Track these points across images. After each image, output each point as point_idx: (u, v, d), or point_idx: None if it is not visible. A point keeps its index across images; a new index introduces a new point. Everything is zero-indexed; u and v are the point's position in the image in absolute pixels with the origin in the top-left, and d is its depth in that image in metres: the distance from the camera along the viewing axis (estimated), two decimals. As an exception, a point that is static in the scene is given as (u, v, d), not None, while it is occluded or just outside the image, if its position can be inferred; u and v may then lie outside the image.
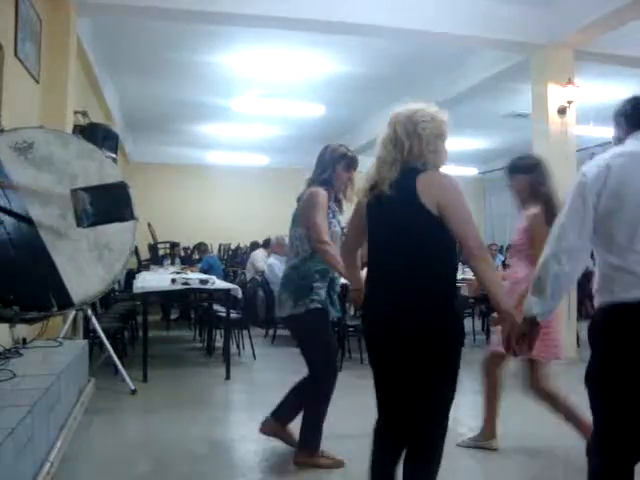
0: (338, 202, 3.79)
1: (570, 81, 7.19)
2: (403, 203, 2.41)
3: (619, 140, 2.41)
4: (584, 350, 7.08)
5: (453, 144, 9.99)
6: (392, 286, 2.44)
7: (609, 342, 2.23)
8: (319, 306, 3.57)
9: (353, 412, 4.38)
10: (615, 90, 9.49)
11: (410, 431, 2.48)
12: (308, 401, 3.68)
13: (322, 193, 3.60)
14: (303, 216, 3.64)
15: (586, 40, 6.99)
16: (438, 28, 6.83)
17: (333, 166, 3.68)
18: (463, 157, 15.03)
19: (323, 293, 3.59)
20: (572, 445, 3.46)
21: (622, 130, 2.41)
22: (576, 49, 7.15)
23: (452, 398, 2.46)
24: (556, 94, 7.22)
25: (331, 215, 3.68)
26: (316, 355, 3.62)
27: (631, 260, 2.17)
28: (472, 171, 16.72)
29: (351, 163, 3.72)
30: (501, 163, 14.78)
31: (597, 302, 2.31)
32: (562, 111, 7.22)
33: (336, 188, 3.71)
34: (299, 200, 3.76)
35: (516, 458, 3.92)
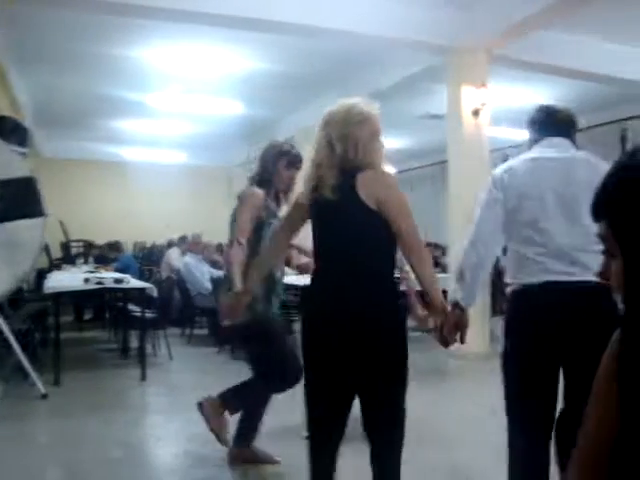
0: (277, 201, 3.59)
1: (484, 84, 7.39)
2: (346, 204, 2.42)
3: (531, 145, 2.69)
4: (496, 344, 7.27)
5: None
6: (341, 286, 2.44)
7: (518, 316, 2.55)
8: (262, 312, 3.38)
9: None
10: (527, 94, 9.83)
11: (377, 425, 2.51)
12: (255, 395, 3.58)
13: (256, 193, 3.44)
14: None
15: (500, 45, 7.20)
16: (356, 28, 6.88)
17: (274, 164, 3.51)
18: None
19: (262, 296, 3.38)
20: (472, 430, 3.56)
21: (533, 136, 2.70)
22: (490, 53, 7.35)
23: (406, 383, 2.52)
24: (470, 96, 7.40)
25: (271, 216, 3.48)
26: (268, 358, 3.46)
27: (533, 251, 2.48)
28: (389, 170, 17.03)
29: (293, 161, 3.54)
30: (416, 163, 15.15)
31: (509, 285, 2.62)
32: (476, 113, 7.41)
33: (277, 187, 3.54)
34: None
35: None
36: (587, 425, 0.99)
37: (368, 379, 2.46)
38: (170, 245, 11.27)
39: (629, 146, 10.60)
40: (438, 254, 10.09)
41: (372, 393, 2.47)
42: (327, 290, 2.50)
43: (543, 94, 9.87)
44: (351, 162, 2.44)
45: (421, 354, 2.40)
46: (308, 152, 2.62)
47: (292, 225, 2.75)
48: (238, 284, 3.14)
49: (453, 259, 7.34)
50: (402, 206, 2.45)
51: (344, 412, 2.54)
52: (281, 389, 3.48)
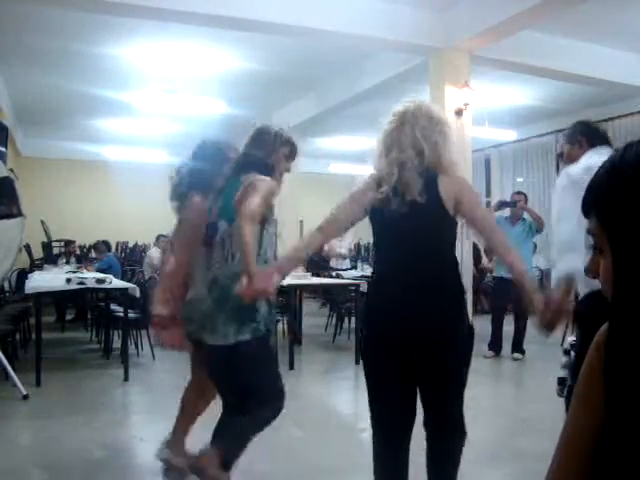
0: None
1: (466, 84, 7.42)
2: (428, 207, 2.36)
3: (576, 156, 3.10)
4: (479, 344, 7.31)
5: (353, 143, 10.20)
6: (418, 293, 2.36)
7: (587, 323, 2.69)
8: (264, 331, 2.87)
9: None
10: (509, 94, 9.90)
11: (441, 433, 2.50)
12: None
13: (272, 183, 2.93)
14: (240, 199, 2.81)
15: (482, 45, 7.23)
16: (339, 28, 6.89)
17: (277, 151, 3.07)
18: (363, 156, 15.22)
19: (264, 310, 2.87)
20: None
21: (582, 147, 3.12)
22: (472, 54, 7.39)
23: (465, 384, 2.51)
24: (453, 96, 7.43)
25: (271, 213, 2.98)
26: (264, 383, 2.92)
27: None
28: (372, 170, 16.94)
29: (294, 152, 3.17)
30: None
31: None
32: (459, 113, 7.44)
33: (275, 178, 3.07)
34: (228, 185, 2.96)
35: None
36: (568, 424, 0.99)
37: (432, 381, 2.44)
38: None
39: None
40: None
41: (434, 396, 2.47)
42: (397, 296, 2.39)
43: (526, 94, 9.96)
44: (433, 165, 2.41)
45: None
46: (376, 149, 2.53)
47: (347, 220, 2.55)
48: (253, 265, 2.62)
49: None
50: (477, 198, 2.55)
51: (412, 414, 2.51)
52: (272, 419, 2.96)
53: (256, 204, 2.74)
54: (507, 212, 7.41)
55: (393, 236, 2.45)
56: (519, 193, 7.55)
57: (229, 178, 2.98)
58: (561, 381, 3.53)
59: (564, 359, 3.53)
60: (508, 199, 7.60)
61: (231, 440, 2.92)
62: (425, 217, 2.37)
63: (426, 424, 2.50)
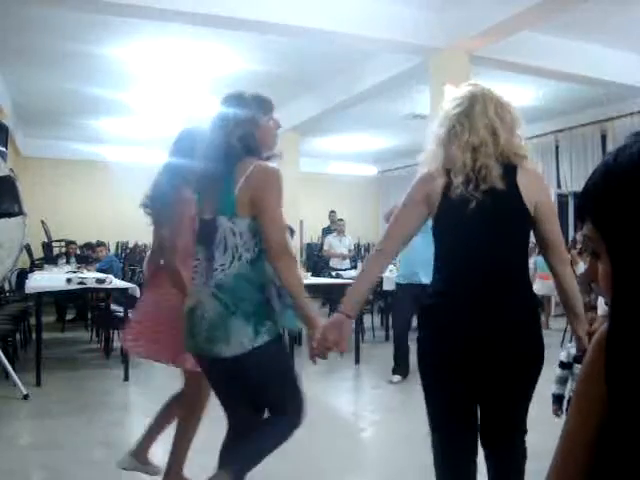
0: None
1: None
2: (506, 201, 2.08)
3: None
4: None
5: (353, 143, 10.20)
6: (493, 300, 2.11)
7: None
8: (279, 330, 2.45)
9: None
10: (508, 94, 9.87)
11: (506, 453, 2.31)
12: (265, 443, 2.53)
13: (278, 171, 2.42)
14: (256, 201, 2.33)
15: (482, 45, 7.23)
16: (338, 28, 6.89)
17: (258, 122, 2.55)
18: (363, 156, 15.28)
19: (279, 306, 2.43)
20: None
21: None
22: (472, 54, 7.39)
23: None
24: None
25: None
26: (285, 393, 2.51)
27: None
28: (372, 170, 17.00)
29: (273, 116, 2.62)
30: (399, 163, 15.16)
31: None
32: (458, 113, 7.42)
33: (261, 155, 2.49)
34: (221, 175, 2.40)
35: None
36: (569, 422, 0.99)
37: (495, 396, 2.23)
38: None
39: (610, 146, 10.71)
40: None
41: (495, 413, 2.27)
42: (467, 307, 2.12)
43: (525, 95, 9.96)
44: (507, 153, 2.12)
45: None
46: (437, 137, 2.22)
47: (411, 228, 2.25)
48: (310, 309, 2.45)
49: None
50: (555, 210, 2.24)
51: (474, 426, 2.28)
52: (298, 425, 2.53)
53: (281, 226, 2.35)
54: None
55: (462, 234, 2.13)
56: None
57: (218, 166, 2.42)
58: (556, 399, 3.26)
59: (559, 372, 3.25)
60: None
61: (248, 460, 2.49)
62: (499, 212, 2.07)
63: (486, 445, 2.30)
